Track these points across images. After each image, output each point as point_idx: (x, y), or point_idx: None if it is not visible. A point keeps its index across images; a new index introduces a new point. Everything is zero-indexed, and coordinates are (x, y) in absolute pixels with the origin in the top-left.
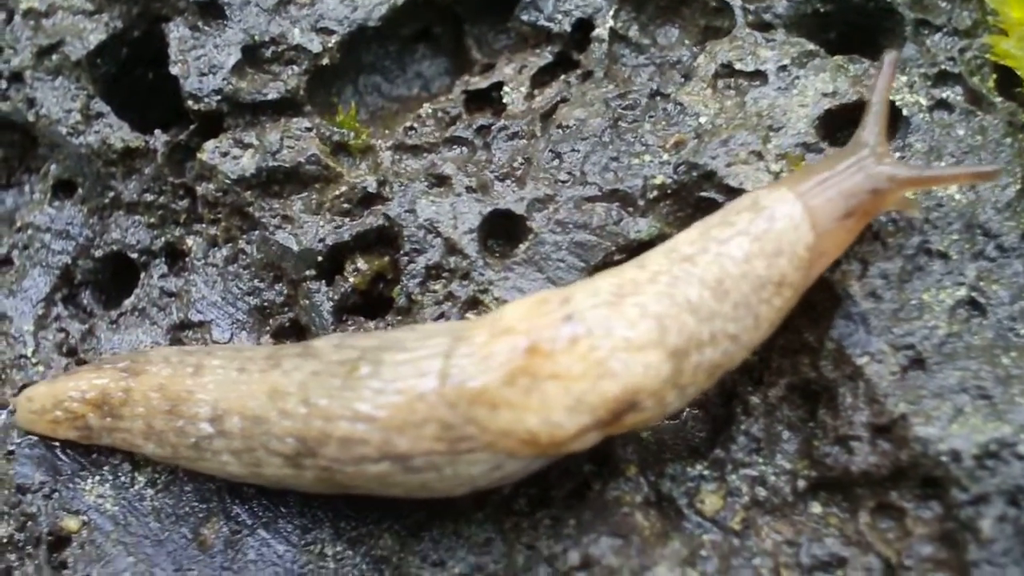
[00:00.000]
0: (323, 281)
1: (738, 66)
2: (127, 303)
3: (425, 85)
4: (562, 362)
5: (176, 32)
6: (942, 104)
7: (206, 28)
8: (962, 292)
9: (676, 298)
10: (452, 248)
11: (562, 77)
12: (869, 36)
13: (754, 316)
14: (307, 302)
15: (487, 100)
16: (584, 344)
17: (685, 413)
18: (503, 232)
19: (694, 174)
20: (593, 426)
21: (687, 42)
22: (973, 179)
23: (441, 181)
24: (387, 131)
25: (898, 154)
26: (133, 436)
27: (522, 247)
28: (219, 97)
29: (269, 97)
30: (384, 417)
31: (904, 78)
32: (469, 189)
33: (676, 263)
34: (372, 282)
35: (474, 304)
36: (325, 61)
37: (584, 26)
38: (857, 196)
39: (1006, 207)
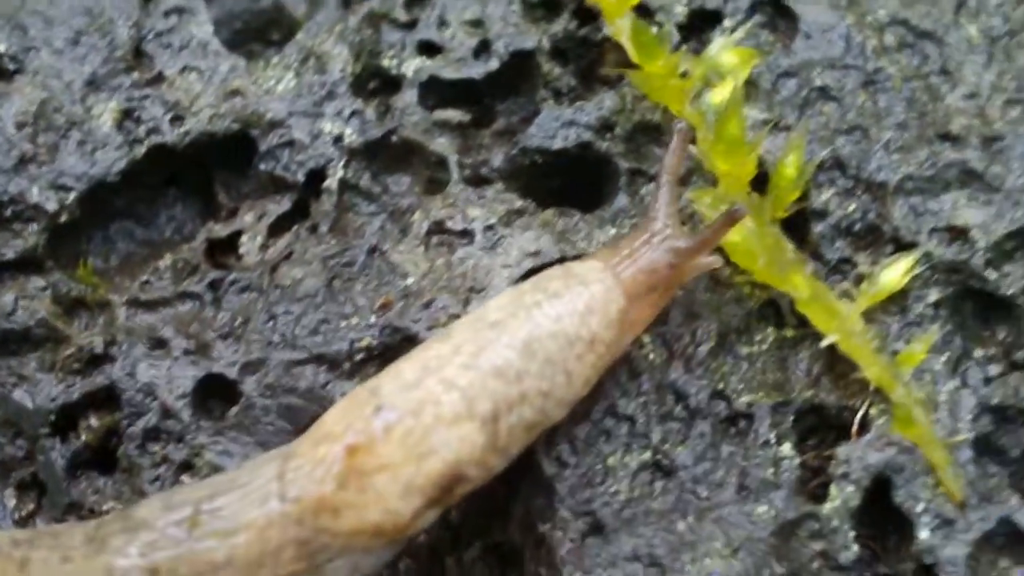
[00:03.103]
0: (57, 438)
1: (448, 224)
2: None
3: (178, 228)
4: (383, 453)
5: None
6: None
7: None
8: (647, 456)
9: (481, 366)
10: (167, 412)
11: (295, 228)
12: (592, 184)
13: (565, 373)
14: (42, 458)
15: (231, 247)
16: (399, 430)
17: (401, 563)
18: (220, 393)
19: (397, 337)
20: (427, 505)
21: (417, 190)
22: (729, 225)
23: (160, 344)
24: (129, 280)
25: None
26: None
27: (233, 411)
28: None
29: (7, 257)
30: (241, 555)
31: (614, 230)
32: (187, 352)
33: (481, 331)
34: (105, 437)
35: (188, 467)
36: (63, 218)
37: (318, 176)
38: (658, 271)
39: (698, 365)
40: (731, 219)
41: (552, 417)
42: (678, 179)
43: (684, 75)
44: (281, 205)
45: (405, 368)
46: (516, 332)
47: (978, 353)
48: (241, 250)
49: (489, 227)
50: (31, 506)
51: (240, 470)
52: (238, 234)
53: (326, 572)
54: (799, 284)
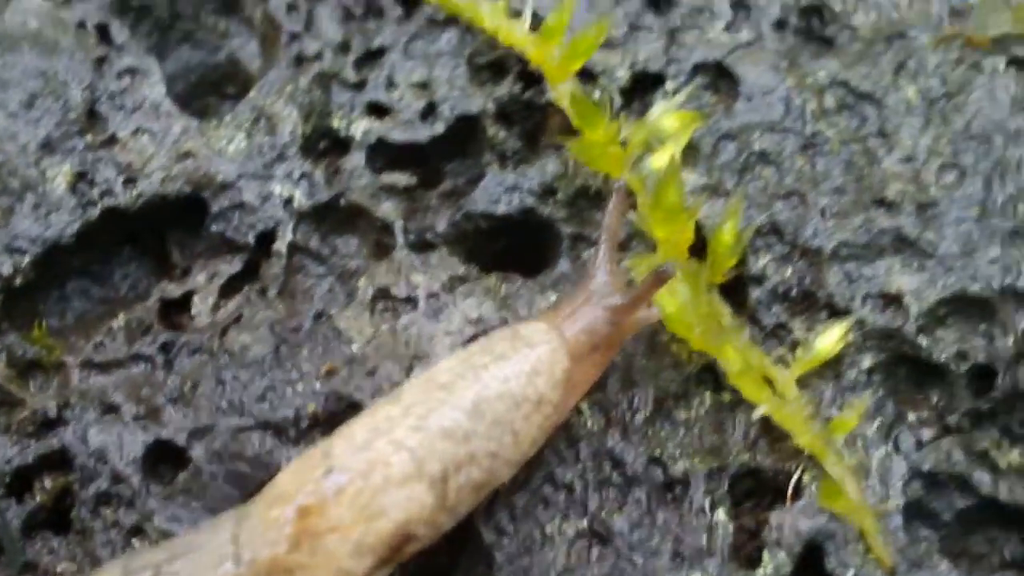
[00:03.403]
0: (13, 499)
1: (393, 291)
2: None
3: (133, 285)
4: (334, 514)
5: None
6: None
7: None
8: (584, 523)
9: (430, 427)
10: (117, 477)
11: (245, 290)
12: (535, 248)
13: (512, 433)
14: None
15: (184, 307)
16: (349, 491)
17: None
18: (170, 458)
19: (342, 404)
20: (378, 565)
21: (364, 252)
22: (658, 284)
23: (111, 409)
24: (85, 340)
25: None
26: None
27: (181, 477)
28: None
29: None
30: None
31: (555, 296)
32: (137, 417)
33: (430, 392)
34: (59, 498)
35: (138, 532)
36: (18, 281)
37: (268, 238)
38: (598, 330)
39: (635, 432)
40: (659, 279)
41: (500, 477)
42: (617, 238)
43: (624, 143)
44: (232, 266)
45: (356, 430)
46: (464, 393)
47: (911, 417)
48: (193, 311)
49: (432, 294)
50: None
51: (197, 532)
52: (191, 294)
53: None
54: (730, 356)
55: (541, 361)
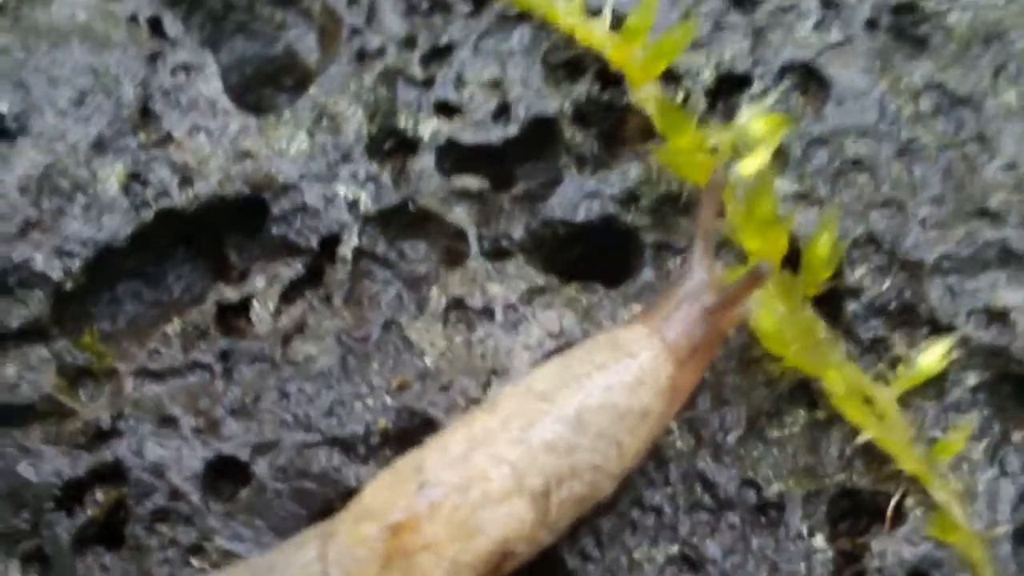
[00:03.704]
0: (63, 512)
1: (467, 301)
2: None
3: (188, 288)
4: (428, 532)
5: None
6: None
7: None
8: (674, 549)
9: (531, 440)
10: (176, 493)
11: (307, 296)
12: (616, 255)
13: (617, 445)
14: (48, 532)
15: (242, 312)
16: (446, 507)
17: None
18: (231, 474)
19: (415, 420)
20: None
21: (433, 258)
22: (753, 284)
23: (169, 421)
24: (137, 345)
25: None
26: None
27: (244, 494)
28: None
29: (13, 326)
30: None
31: (637, 307)
32: (196, 430)
33: (529, 402)
34: (111, 511)
35: (198, 550)
36: (69, 286)
37: (332, 242)
38: (695, 333)
39: (727, 452)
40: (756, 277)
41: (602, 490)
42: (713, 237)
43: (712, 149)
44: (293, 270)
45: (451, 441)
46: (566, 404)
47: (1017, 437)
48: (252, 317)
49: (510, 305)
50: None
51: (278, 552)
52: (250, 298)
53: None
54: (834, 380)
55: (644, 370)
